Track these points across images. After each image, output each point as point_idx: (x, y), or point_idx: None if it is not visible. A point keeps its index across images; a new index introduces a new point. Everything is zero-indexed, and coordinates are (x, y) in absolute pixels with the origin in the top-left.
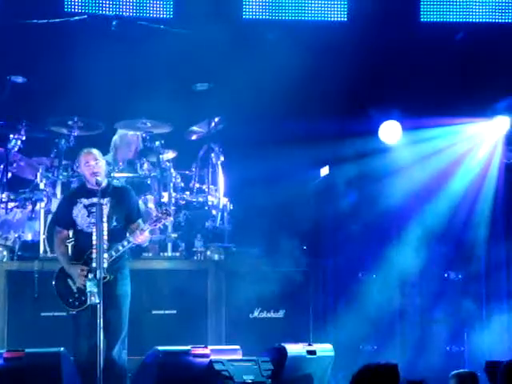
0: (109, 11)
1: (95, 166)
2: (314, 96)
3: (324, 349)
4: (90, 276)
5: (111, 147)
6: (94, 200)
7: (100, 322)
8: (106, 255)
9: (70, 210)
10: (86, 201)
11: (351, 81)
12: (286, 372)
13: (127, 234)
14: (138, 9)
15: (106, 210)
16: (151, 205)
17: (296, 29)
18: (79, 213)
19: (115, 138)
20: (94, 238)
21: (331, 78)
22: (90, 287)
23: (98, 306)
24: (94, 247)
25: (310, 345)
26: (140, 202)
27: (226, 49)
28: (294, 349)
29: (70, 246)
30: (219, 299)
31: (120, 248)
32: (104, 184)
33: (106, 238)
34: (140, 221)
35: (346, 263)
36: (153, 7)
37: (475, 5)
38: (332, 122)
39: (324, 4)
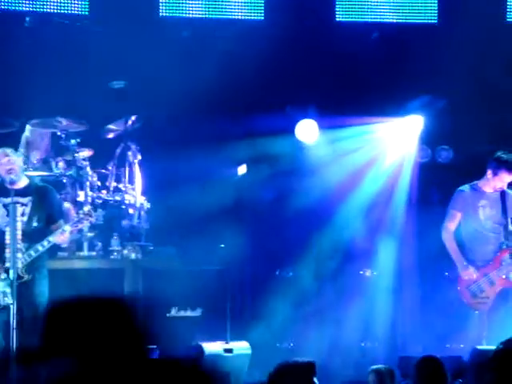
0: (23, 7)
1: (7, 163)
2: (230, 94)
3: (241, 347)
4: (3, 276)
5: (21, 145)
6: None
7: (13, 322)
8: (20, 255)
9: None
10: (4, 199)
11: (268, 79)
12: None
13: (49, 234)
14: (53, 5)
15: (27, 209)
16: (67, 204)
17: (212, 27)
18: None
19: (26, 134)
20: (8, 237)
21: (248, 77)
22: (4, 287)
23: (11, 306)
24: (8, 247)
25: (226, 343)
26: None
27: (143, 46)
28: (211, 347)
29: None
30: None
31: (39, 248)
32: (24, 183)
33: (20, 237)
34: (61, 221)
35: (264, 261)
36: (68, 4)
37: (389, 5)
38: (249, 120)
39: (241, 2)
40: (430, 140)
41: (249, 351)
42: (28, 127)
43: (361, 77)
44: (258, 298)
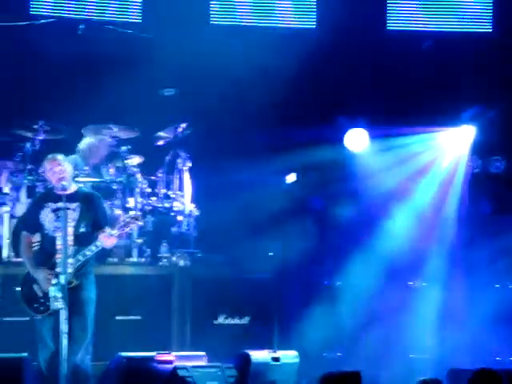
0: (76, 15)
1: (60, 171)
2: (281, 103)
3: (288, 356)
4: (55, 281)
5: (82, 150)
6: (61, 204)
7: (63, 327)
8: (71, 260)
9: (38, 214)
10: (53, 205)
11: (319, 89)
12: (250, 379)
13: (94, 240)
14: (106, 13)
15: (74, 215)
16: (118, 210)
17: (264, 36)
18: (46, 217)
19: (90, 140)
20: (59, 242)
21: (299, 86)
22: (54, 292)
23: (62, 311)
24: (59, 252)
25: (274, 351)
26: (106, 206)
27: (194, 54)
28: (259, 355)
29: (35, 250)
30: (184, 305)
31: (87, 253)
32: (73, 189)
33: (71, 243)
34: (107, 227)
35: (312, 270)
36: (121, 12)
37: (441, 14)
38: (299, 129)
39: (293, 11)
40: (481, 150)
41: (296, 360)
42: (92, 134)
43: (412, 86)
44: (305, 307)
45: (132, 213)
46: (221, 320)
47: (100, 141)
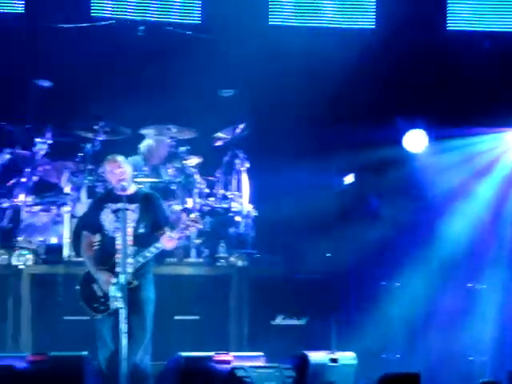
0: (136, 16)
1: (120, 173)
2: (339, 104)
3: (346, 357)
4: (115, 281)
5: (143, 151)
6: (121, 205)
7: (123, 326)
8: (131, 260)
9: (98, 215)
10: (113, 206)
11: (377, 89)
12: (308, 380)
13: (154, 240)
14: (165, 14)
15: (134, 215)
16: (177, 210)
17: (323, 36)
18: (107, 217)
19: (150, 142)
20: (119, 242)
21: (357, 86)
22: (114, 292)
23: (122, 310)
24: (119, 252)
25: (332, 353)
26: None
27: (252, 55)
28: (317, 356)
29: (96, 249)
30: (242, 305)
31: (147, 254)
32: (132, 190)
33: (131, 243)
34: (166, 228)
35: (370, 271)
36: (181, 13)
37: (503, 14)
38: (357, 130)
39: (352, 11)
40: None
41: (354, 361)
42: (153, 135)
43: (472, 86)
44: (364, 308)
45: (192, 215)
46: (278, 320)
47: (159, 142)
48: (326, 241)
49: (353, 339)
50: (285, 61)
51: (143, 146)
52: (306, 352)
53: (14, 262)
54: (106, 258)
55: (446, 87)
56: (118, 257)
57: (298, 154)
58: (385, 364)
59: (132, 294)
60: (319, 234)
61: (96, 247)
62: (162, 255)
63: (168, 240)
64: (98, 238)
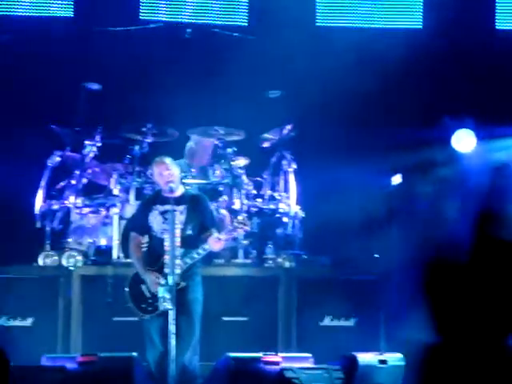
0: (183, 19)
1: (168, 175)
2: (386, 103)
3: (395, 358)
4: (163, 282)
5: (185, 153)
6: (169, 207)
7: (172, 327)
8: (179, 261)
9: (146, 217)
10: (161, 207)
11: (425, 89)
12: (356, 381)
13: (201, 242)
14: (213, 16)
15: (181, 217)
16: (223, 211)
17: (370, 36)
18: (155, 219)
19: (190, 143)
20: (167, 244)
21: (404, 86)
22: (163, 293)
23: (171, 311)
24: (167, 253)
25: (381, 354)
26: (212, 208)
27: (299, 56)
28: (365, 358)
29: (144, 251)
30: (290, 307)
31: (195, 256)
32: (180, 191)
33: (179, 244)
34: (213, 229)
35: (419, 273)
36: (228, 15)
37: None
38: (404, 129)
39: (399, 11)
40: None
41: (403, 363)
42: (194, 137)
43: None
44: (413, 309)
45: (240, 217)
46: (327, 322)
47: (200, 143)
48: (374, 241)
49: (401, 341)
50: (332, 61)
51: (187, 147)
52: (354, 353)
53: (64, 263)
54: (154, 259)
55: (495, 86)
56: (166, 258)
57: (346, 155)
58: None
59: (180, 295)
60: (367, 234)
61: (144, 248)
62: (210, 256)
63: (215, 242)
64: (146, 239)
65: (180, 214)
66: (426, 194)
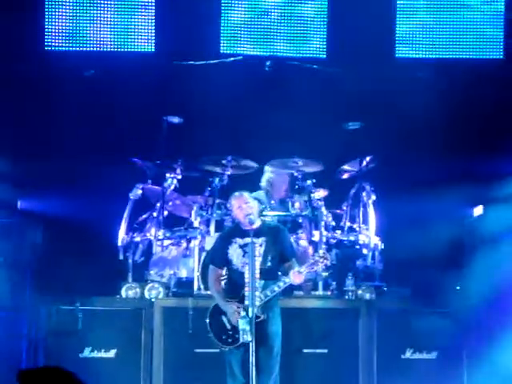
0: (263, 52)
1: (247, 208)
2: (465, 134)
3: None
4: (243, 314)
5: (264, 185)
6: (248, 240)
7: (253, 359)
8: (259, 294)
9: (226, 250)
10: (240, 241)
11: (504, 118)
12: None
13: (280, 274)
14: (292, 49)
15: (261, 249)
16: (304, 243)
17: (449, 67)
18: (234, 252)
19: (269, 175)
20: (247, 276)
21: (484, 116)
22: (243, 325)
23: (251, 343)
24: (247, 285)
25: None
26: (292, 240)
27: (378, 87)
28: None
29: (224, 283)
30: (370, 339)
31: (276, 289)
32: (258, 224)
33: (258, 276)
34: (293, 260)
35: (502, 304)
36: (306, 48)
37: None
38: (485, 159)
39: (478, 41)
40: None
41: None
42: (269, 169)
43: None
44: (495, 344)
45: (321, 252)
46: (408, 354)
47: (278, 175)
48: (456, 273)
49: (484, 374)
50: (411, 92)
51: (263, 180)
52: None
53: (146, 295)
54: (234, 291)
55: None
56: (247, 290)
57: (426, 186)
58: None
59: (260, 328)
60: (448, 266)
61: (224, 281)
62: (290, 288)
63: (296, 275)
64: (224, 271)
65: (259, 246)
66: (507, 227)
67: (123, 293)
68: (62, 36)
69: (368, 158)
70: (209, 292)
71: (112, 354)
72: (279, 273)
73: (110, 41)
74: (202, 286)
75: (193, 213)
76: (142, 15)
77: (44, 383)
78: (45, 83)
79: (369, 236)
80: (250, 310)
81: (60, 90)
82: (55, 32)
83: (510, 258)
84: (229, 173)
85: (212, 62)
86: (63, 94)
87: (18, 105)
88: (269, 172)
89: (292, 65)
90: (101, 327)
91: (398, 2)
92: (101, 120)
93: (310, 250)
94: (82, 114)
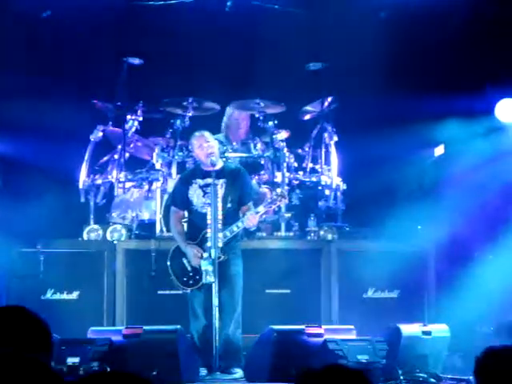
0: None
1: (208, 147)
2: (427, 73)
3: (439, 329)
4: (205, 255)
5: (222, 127)
6: (209, 181)
7: (215, 300)
8: (220, 235)
9: (186, 191)
10: (201, 181)
11: (468, 57)
12: (400, 352)
13: (240, 216)
14: None
15: (221, 191)
16: (264, 187)
17: (408, 4)
18: (195, 193)
19: (225, 117)
20: (209, 217)
21: (446, 54)
22: (205, 266)
23: (213, 284)
24: (209, 227)
25: (424, 325)
26: (254, 181)
27: (339, 28)
28: (409, 329)
29: (185, 225)
30: (332, 279)
31: (235, 229)
32: (219, 165)
33: (220, 218)
34: (251, 204)
35: (462, 243)
36: None
37: None
38: (446, 99)
39: None
40: None
41: (447, 334)
42: (228, 110)
43: None
44: (456, 280)
45: (279, 190)
46: (370, 294)
47: (234, 116)
48: (417, 213)
49: (445, 311)
50: (372, 32)
51: (223, 121)
52: (398, 325)
53: (109, 237)
54: (195, 233)
55: None
56: (208, 232)
57: (387, 126)
58: (478, 337)
59: (221, 269)
60: (410, 206)
61: (185, 222)
62: (253, 230)
63: (251, 217)
64: (186, 213)
65: (220, 188)
66: (469, 166)
67: (85, 235)
68: None
69: (329, 99)
70: (170, 234)
71: (74, 295)
72: (241, 214)
73: None
74: (164, 228)
75: (154, 155)
76: None
77: (5, 322)
78: (1, 25)
79: (331, 177)
80: (212, 251)
81: (17, 31)
82: None
83: (471, 197)
84: (190, 114)
85: (172, 1)
86: (20, 35)
87: None
88: (227, 113)
89: (253, 5)
90: (63, 269)
91: None
92: (61, 62)
93: (269, 193)
94: (41, 56)
